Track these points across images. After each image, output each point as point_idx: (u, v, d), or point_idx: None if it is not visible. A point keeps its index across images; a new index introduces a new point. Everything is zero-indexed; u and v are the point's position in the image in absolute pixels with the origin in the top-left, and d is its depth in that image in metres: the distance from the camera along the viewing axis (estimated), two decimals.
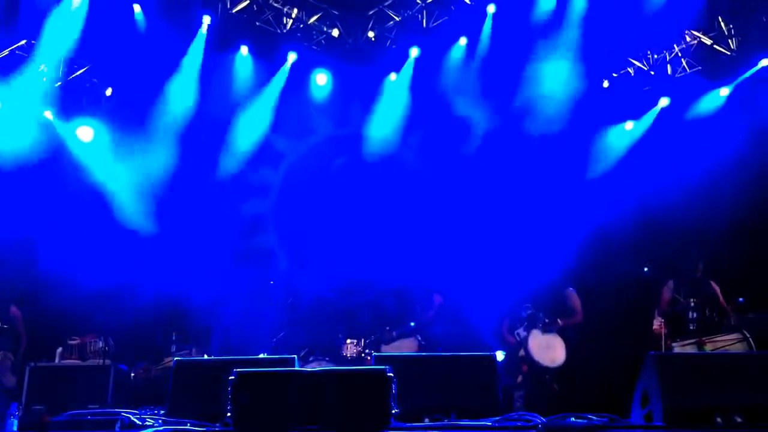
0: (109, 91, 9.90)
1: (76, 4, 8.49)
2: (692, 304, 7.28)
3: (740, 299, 7.26)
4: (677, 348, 7.23)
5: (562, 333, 7.50)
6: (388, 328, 8.18)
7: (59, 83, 9.62)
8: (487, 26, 9.16)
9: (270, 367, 4.60)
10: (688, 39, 9.29)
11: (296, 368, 4.61)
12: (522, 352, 7.22)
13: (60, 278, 8.85)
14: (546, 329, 7.44)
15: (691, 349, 7.14)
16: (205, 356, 8.22)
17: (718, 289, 7.44)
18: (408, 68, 9.89)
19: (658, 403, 4.28)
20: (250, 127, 10.21)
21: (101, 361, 8.11)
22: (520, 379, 7.36)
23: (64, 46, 8.99)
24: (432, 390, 4.60)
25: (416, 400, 4.41)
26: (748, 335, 7.02)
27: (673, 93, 9.55)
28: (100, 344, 8.37)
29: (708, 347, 7.04)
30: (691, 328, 7.27)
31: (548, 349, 7.21)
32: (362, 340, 8.32)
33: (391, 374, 3.91)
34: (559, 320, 7.57)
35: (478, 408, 4.49)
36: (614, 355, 7.67)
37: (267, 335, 8.27)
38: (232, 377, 3.99)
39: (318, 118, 10.86)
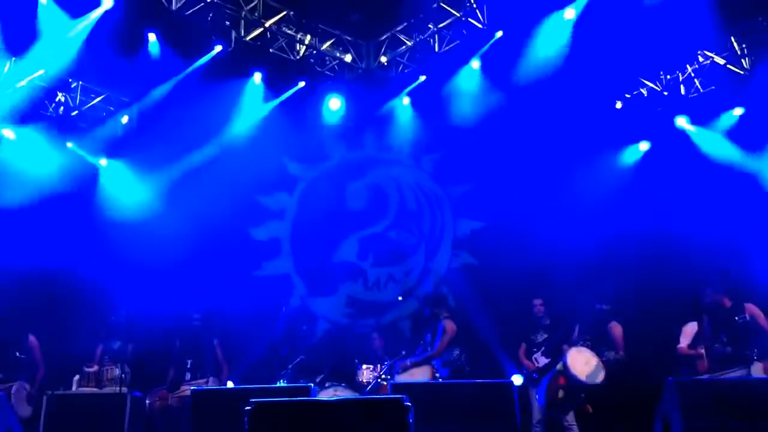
0: (125, 119, 10.00)
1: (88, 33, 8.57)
2: (723, 339, 6.96)
3: None
4: None
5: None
6: (404, 352, 8.12)
7: (75, 112, 9.75)
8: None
9: (287, 396, 4.59)
10: (700, 59, 9.28)
11: (313, 398, 4.60)
12: (560, 366, 7.03)
13: (78, 307, 8.92)
14: (590, 346, 7.27)
15: None
16: (230, 383, 8.21)
17: (758, 313, 7.00)
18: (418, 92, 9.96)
19: (678, 428, 4.24)
20: (264, 152, 10.29)
21: (118, 388, 8.12)
22: (561, 394, 7.13)
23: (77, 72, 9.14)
24: (449, 418, 4.56)
25: (434, 428, 4.38)
26: None
27: (687, 113, 9.54)
28: (117, 372, 8.39)
29: None
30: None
31: (587, 365, 7.02)
32: (378, 366, 8.27)
33: (409, 403, 3.88)
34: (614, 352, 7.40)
35: None
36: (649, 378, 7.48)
37: (283, 361, 8.22)
38: (249, 407, 3.98)
39: (331, 143, 10.92)
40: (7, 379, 7.76)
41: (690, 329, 7.41)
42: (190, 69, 9.12)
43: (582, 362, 6.89)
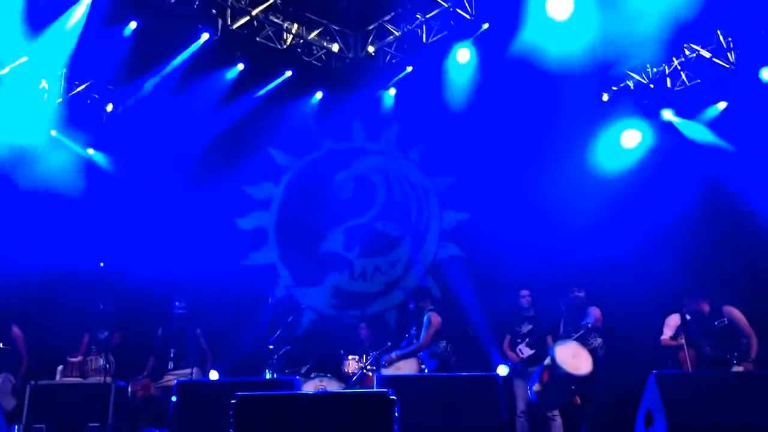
0: (110, 107, 9.91)
1: (74, 21, 8.48)
2: (707, 348, 7.02)
3: None
4: None
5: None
6: (389, 343, 8.14)
7: (60, 99, 9.64)
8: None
9: (273, 389, 4.58)
10: (687, 52, 9.31)
11: (298, 391, 4.60)
12: (548, 361, 7.07)
13: (60, 296, 8.86)
14: (577, 338, 7.30)
15: None
16: (214, 373, 8.18)
17: (737, 316, 7.07)
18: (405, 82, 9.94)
19: (662, 421, 4.27)
20: (249, 141, 10.25)
21: (102, 378, 8.09)
22: (537, 387, 7.16)
23: (63, 62, 9.05)
24: (435, 411, 4.58)
25: (419, 421, 4.40)
26: None
27: (673, 106, 9.59)
28: (101, 362, 8.35)
29: None
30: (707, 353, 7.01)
31: (575, 357, 7.04)
32: (364, 357, 8.29)
33: (394, 397, 3.89)
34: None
35: (481, 428, 4.47)
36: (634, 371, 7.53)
37: (269, 352, 8.21)
38: (234, 401, 3.98)
39: (318, 133, 10.88)
40: None
41: (672, 320, 7.48)
42: (179, 59, 9.04)
43: (569, 355, 6.92)
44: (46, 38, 8.57)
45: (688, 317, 7.12)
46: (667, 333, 7.48)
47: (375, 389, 4.28)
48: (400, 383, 4.41)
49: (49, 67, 9.26)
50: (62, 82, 9.56)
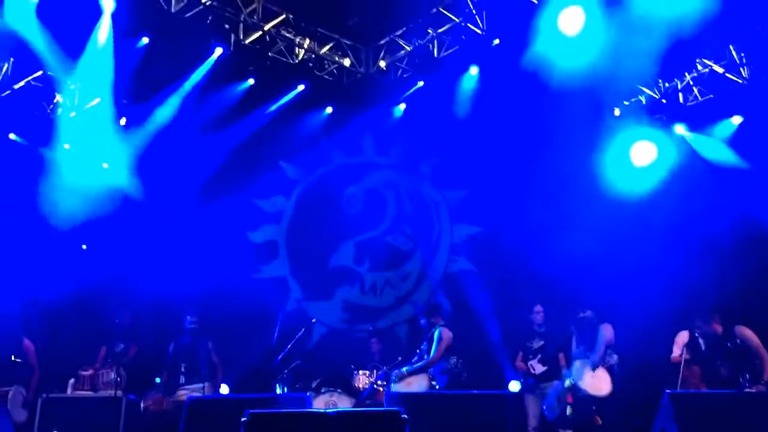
0: (123, 121, 9.97)
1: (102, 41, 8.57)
2: (722, 369, 6.89)
3: None
4: None
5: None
6: (400, 358, 8.10)
7: (73, 113, 9.71)
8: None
9: (283, 406, 4.58)
10: (699, 67, 9.28)
11: (309, 409, 4.58)
12: (569, 382, 6.99)
13: (74, 310, 8.89)
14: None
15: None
16: (225, 387, 8.17)
17: (749, 336, 6.97)
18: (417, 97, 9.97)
19: None
20: (260, 155, 10.30)
21: (113, 392, 8.10)
22: (569, 411, 7.10)
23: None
24: (447, 429, 4.55)
25: None
26: None
27: (686, 121, 9.55)
28: (112, 375, 8.37)
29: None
30: (723, 372, 6.87)
31: (594, 378, 7.00)
32: (374, 371, 8.26)
33: (406, 416, 3.87)
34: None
35: None
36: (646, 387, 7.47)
37: (279, 366, 8.21)
38: (245, 418, 3.97)
39: (328, 147, 10.92)
40: (3, 384, 7.70)
41: (681, 338, 7.48)
42: (197, 74, 9.09)
43: (589, 375, 6.90)
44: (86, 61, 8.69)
45: (699, 338, 7.06)
46: (677, 351, 7.45)
47: (386, 408, 4.25)
48: (411, 401, 4.39)
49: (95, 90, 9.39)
50: (76, 97, 9.65)
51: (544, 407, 7.49)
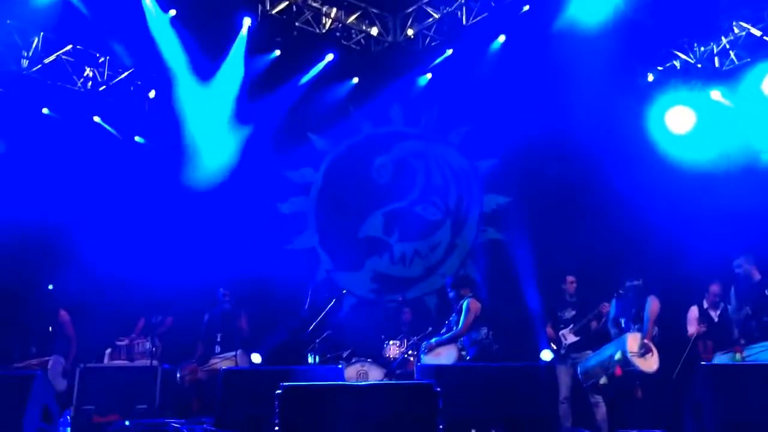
0: (152, 94, 10.03)
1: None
2: (749, 311, 6.81)
3: None
4: (717, 359, 6.80)
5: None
6: (430, 329, 8.13)
7: (103, 87, 9.79)
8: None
9: (317, 377, 4.63)
10: (736, 30, 9.02)
11: (342, 382, 4.63)
12: (619, 355, 6.97)
13: (108, 280, 9.04)
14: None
15: (727, 358, 6.81)
16: (257, 356, 8.27)
17: None
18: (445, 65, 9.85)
19: (711, 414, 4.20)
20: (289, 127, 10.30)
21: (149, 361, 8.27)
22: (603, 380, 7.09)
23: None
24: (478, 401, 4.57)
25: (462, 411, 4.40)
26: None
27: (722, 86, 9.31)
28: (148, 345, 8.53)
29: (738, 356, 6.58)
30: (736, 336, 6.87)
31: (645, 354, 6.91)
32: (405, 341, 8.30)
33: (438, 389, 3.88)
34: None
35: (525, 419, 4.45)
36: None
37: (311, 336, 8.29)
38: (279, 391, 4.02)
39: (357, 117, 10.87)
40: (43, 354, 7.90)
41: (692, 315, 7.45)
42: (237, 49, 9.08)
43: (641, 350, 6.86)
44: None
45: (708, 310, 6.96)
46: (691, 329, 7.51)
47: (418, 381, 4.27)
48: (443, 373, 4.40)
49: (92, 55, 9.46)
50: (105, 69, 9.71)
51: (580, 372, 7.43)
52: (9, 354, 7.99)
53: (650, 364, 6.83)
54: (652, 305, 7.26)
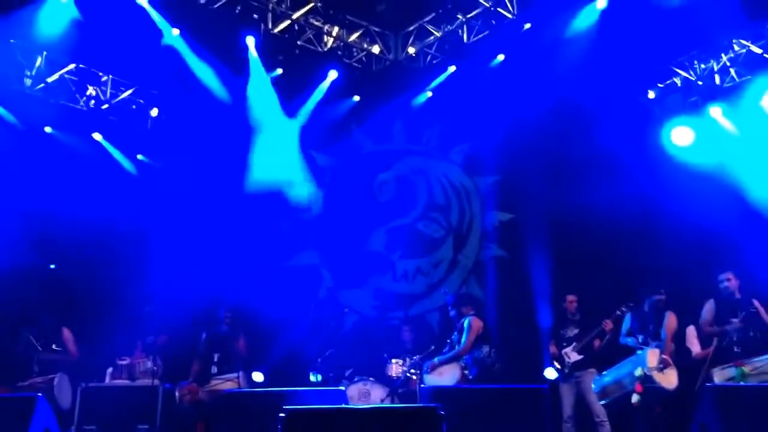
0: (154, 112, 10.05)
1: None
2: (738, 325, 6.88)
3: None
4: (717, 373, 6.87)
5: None
6: (433, 347, 8.11)
7: (106, 105, 9.81)
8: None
9: (320, 399, 4.60)
10: (736, 48, 9.06)
11: (346, 406, 4.61)
12: (639, 371, 6.94)
13: (110, 298, 9.02)
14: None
15: (731, 373, 6.81)
16: (259, 375, 8.22)
17: (761, 308, 6.96)
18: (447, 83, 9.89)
19: None
20: (291, 144, 10.31)
21: (150, 381, 8.23)
22: (636, 399, 6.90)
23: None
24: (481, 423, 4.54)
25: None
26: None
27: (722, 103, 9.32)
28: (149, 364, 8.48)
29: (747, 369, 6.65)
30: (736, 350, 6.86)
31: (664, 370, 6.87)
32: (407, 360, 8.27)
33: (443, 412, 3.86)
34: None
35: None
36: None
37: (313, 354, 8.26)
38: (283, 414, 3.99)
39: (358, 135, 10.89)
40: (45, 372, 7.85)
41: (691, 334, 7.41)
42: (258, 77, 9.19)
43: (660, 366, 6.82)
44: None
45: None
46: (695, 349, 7.42)
47: (423, 404, 4.25)
48: (447, 396, 4.38)
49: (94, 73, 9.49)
50: (108, 88, 9.74)
51: (597, 389, 7.38)
52: (12, 373, 7.92)
53: (670, 380, 6.79)
54: (670, 321, 7.24)
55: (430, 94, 10.20)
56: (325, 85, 9.74)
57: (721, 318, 7.07)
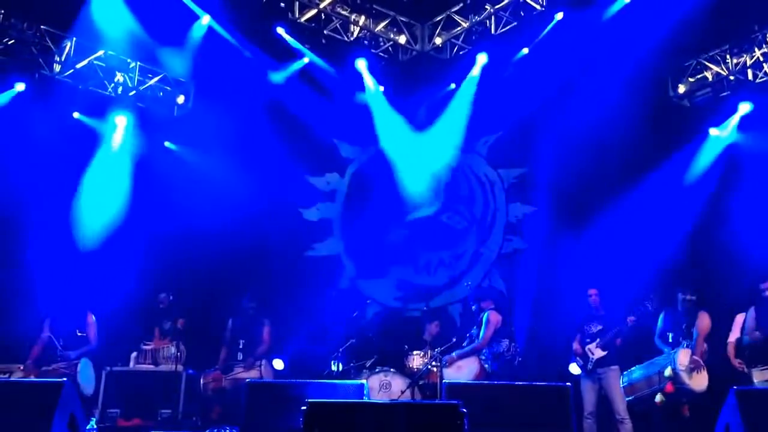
0: (180, 99, 10.09)
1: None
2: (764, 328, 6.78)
3: None
4: (756, 374, 6.81)
5: None
6: (454, 339, 8.10)
7: (133, 92, 9.87)
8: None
9: (341, 392, 4.63)
10: None
11: (368, 400, 4.62)
12: (669, 371, 6.88)
13: (134, 284, 9.11)
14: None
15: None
16: (279, 362, 8.26)
17: None
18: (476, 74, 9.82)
19: None
20: (314, 133, 10.32)
21: (174, 366, 8.33)
22: (659, 398, 6.91)
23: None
24: (504, 421, 4.53)
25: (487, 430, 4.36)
26: None
27: (754, 99, 9.16)
28: (173, 350, 8.59)
29: None
30: None
31: (694, 371, 6.81)
32: (428, 352, 8.26)
33: (464, 410, 3.86)
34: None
35: None
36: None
37: (335, 344, 8.29)
38: (305, 407, 4.02)
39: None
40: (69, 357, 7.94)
41: (738, 321, 7.22)
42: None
43: (691, 367, 6.76)
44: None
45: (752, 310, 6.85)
46: (751, 323, 7.20)
47: (445, 401, 4.25)
48: (469, 391, 4.38)
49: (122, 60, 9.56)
50: (135, 75, 9.79)
51: (624, 385, 7.33)
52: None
53: (700, 381, 6.72)
54: (703, 321, 7.16)
55: (454, 86, 10.12)
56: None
57: (761, 326, 6.93)
